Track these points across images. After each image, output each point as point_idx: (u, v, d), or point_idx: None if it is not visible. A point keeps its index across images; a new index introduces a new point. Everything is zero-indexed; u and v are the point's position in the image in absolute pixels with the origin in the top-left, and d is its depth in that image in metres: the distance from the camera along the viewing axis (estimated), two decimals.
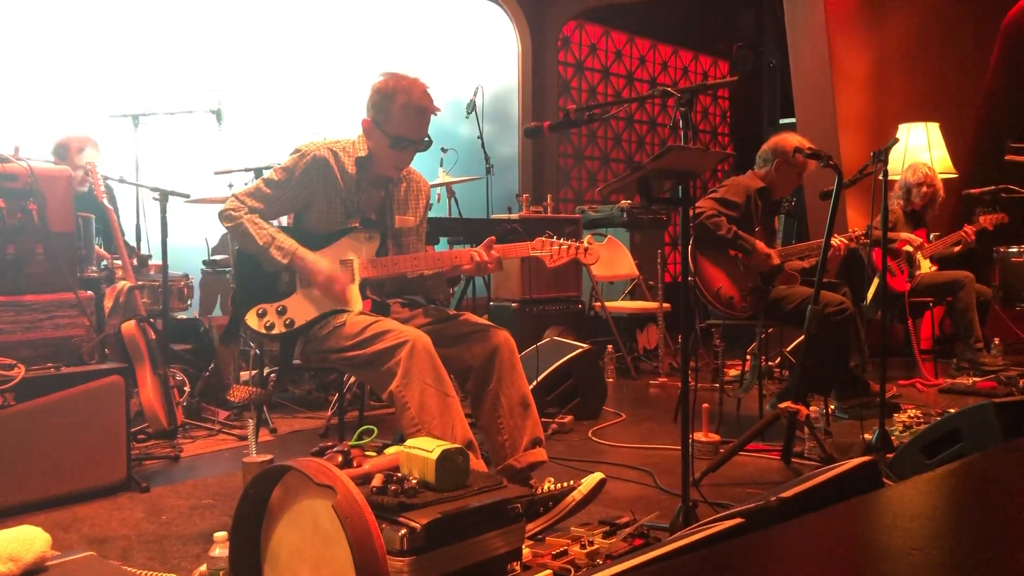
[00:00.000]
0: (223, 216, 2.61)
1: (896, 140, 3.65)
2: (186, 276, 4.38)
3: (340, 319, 2.55)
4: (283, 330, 2.57)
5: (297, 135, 4.33)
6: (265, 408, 3.96)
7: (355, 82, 6.22)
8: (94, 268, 3.59)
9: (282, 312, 2.57)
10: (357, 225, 2.68)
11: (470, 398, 2.64)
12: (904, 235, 5.05)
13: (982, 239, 5.20)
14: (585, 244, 2.63)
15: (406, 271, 2.71)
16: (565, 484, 2.44)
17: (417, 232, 2.85)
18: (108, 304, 3.56)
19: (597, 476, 2.46)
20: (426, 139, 2.65)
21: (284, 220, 3.14)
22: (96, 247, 3.85)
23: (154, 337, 3.43)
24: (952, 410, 3.60)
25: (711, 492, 2.63)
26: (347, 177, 2.67)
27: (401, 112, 2.58)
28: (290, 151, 2.69)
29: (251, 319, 2.57)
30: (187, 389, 4.01)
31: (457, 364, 2.60)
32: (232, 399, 2.78)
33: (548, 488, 2.42)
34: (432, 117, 2.65)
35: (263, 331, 2.56)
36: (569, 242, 2.62)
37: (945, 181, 5.42)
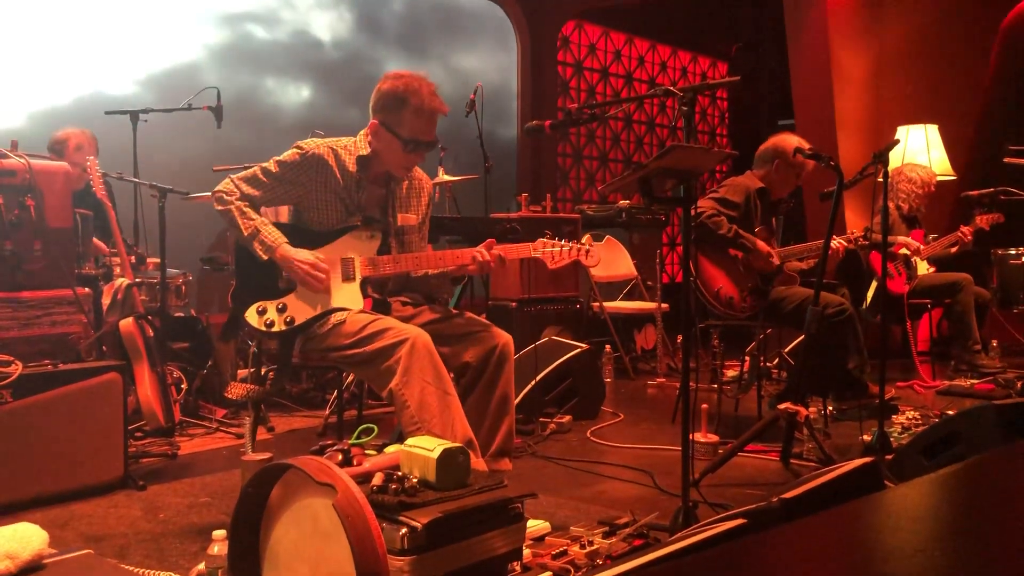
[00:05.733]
0: (216, 197, 2.60)
1: (896, 141, 3.65)
2: (184, 274, 4.37)
3: (340, 317, 2.55)
4: (283, 328, 2.55)
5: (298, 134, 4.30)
6: (263, 406, 3.95)
7: (354, 80, 6.21)
8: (92, 265, 3.58)
9: (282, 310, 2.56)
10: (358, 223, 2.68)
11: (460, 394, 2.63)
12: (902, 239, 5.06)
13: (979, 240, 5.21)
14: (587, 246, 2.62)
15: (408, 270, 2.71)
16: None
17: (419, 230, 2.84)
18: (106, 301, 3.55)
19: (545, 526, 2.35)
20: (435, 140, 2.64)
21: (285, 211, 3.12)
22: (95, 240, 3.84)
23: (152, 334, 3.42)
24: (950, 412, 3.61)
25: (710, 493, 2.63)
26: (347, 175, 2.66)
27: (413, 115, 2.57)
28: (290, 147, 2.68)
29: (251, 316, 2.56)
30: (184, 387, 4.00)
31: (455, 362, 2.60)
32: (230, 396, 2.77)
33: None
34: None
35: (263, 328, 2.55)
36: (571, 244, 2.62)
37: (944, 183, 5.43)
